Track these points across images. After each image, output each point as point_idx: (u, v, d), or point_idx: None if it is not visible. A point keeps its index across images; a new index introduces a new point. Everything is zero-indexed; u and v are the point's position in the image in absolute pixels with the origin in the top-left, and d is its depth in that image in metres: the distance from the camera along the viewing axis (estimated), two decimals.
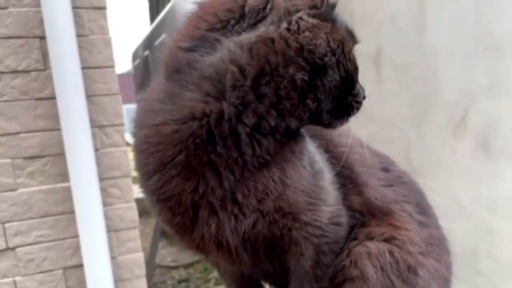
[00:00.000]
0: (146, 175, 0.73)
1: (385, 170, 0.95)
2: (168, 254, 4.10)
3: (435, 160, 2.02)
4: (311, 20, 0.68)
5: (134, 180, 1.34)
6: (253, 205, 0.70)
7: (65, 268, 1.88)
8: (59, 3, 1.70)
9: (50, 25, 1.71)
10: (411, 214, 0.90)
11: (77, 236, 1.84)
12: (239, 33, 0.68)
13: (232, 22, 0.69)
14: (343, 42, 0.70)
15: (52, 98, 1.78)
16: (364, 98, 0.76)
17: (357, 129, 0.87)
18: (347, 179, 0.87)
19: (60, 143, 1.80)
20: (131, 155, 0.89)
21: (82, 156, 1.79)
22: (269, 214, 0.72)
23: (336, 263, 0.80)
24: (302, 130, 0.78)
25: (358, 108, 0.75)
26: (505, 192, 1.77)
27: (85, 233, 1.82)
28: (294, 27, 0.67)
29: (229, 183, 0.69)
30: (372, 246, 0.81)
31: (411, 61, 2.10)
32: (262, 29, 0.67)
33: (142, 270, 2.02)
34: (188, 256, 3.73)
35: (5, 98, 1.74)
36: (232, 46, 0.67)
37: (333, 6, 0.72)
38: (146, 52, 4.00)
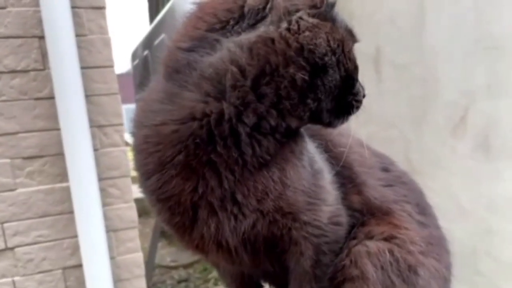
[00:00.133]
0: (145, 175, 0.73)
1: (385, 170, 0.95)
2: (168, 254, 4.09)
3: (434, 160, 2.02)
4: (311, 19, 0.68)
5: (134, 180, 1.34)
6: (253, 205, 0.70)
7: (64, 268, 1.88)
8: (58, 3, 1.70)
9: (49, 25, 1.71)
10: (411, 214, 0.90)
11: (76, 236, 1.84)
12: (239, 33, 0.68)
13: (231, 22, 0.68)
14: (343, 42, 0.70)
15: (51, 98, 1.78)
16: (364, 97, 0.76)
17: (356, 129, 0.87)
18: (347, 179, 0.87)
19: (59, 143, 1.80)
20: (130, 155, 0.88)
21: (81, 156, 1.78)
22: (269, 214, 0.72)
23: (335, 263, 0.80)
24: (302, 130, 0.78)
25: (358, 107, 0.75)
26: (505, 192, 1.77)
27: (84, 233, 1.82)
28: (294, 27, 0.67)
29: (229, 183, 0.69)
30: (372, 245, 0.81)
31: (411, 61, 2.10)
32: (262, 29, 0.67)
33: (141, 270, 2.02)
34: (187, 256, 3.73)
35: (4, 98, 1.74)
36: (232, 47, 0.67)
37: (332, 6, 0.72)
38: (146, 52, 4.00)
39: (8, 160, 1.76)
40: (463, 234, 1.81)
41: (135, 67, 4.80)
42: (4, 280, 1.78)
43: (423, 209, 0.94)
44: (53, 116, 1.79)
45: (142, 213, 2.86)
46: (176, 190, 0.70)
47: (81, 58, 1.80)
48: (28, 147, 1.79)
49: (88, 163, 1.80)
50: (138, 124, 0.74)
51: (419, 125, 2.10)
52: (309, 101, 0.69)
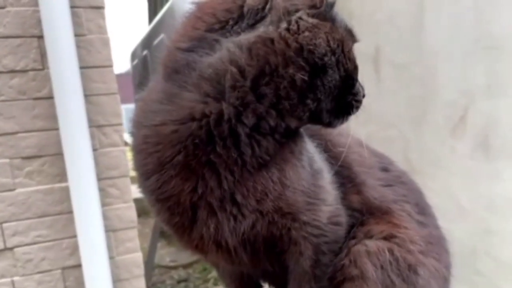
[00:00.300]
0: (145, 175, 0.73)
1: (384, 170, 0.95)
2: (167, 254, 4.09)
3: (434, 160, 2.02)
4: (310, 20, 0.68)
5: (133, 180, 1.34)
6: (252, 205, 0.70)
7: (63, 268, 1.88)
8: (57, 3, 1.70)
9: (48, 25, 1.70)
10: (410, 214, 0.90)
11: (75, 236, 1.84)
12: (238, 34, 0.67)
13: (231, 22, 0.68)
14: (343, 42, 0.70)
15: (50, 97, 1.77)
16: (363, 96, 0.76)
17: (356, 128, 0.86)
18: (346, 179, 0.87)
19: (58, 143, 1.79)
20: (129, 155, 0.88)
21: (80, 156, 1.78)
22: (268, 214, 0.72)
23: (335, 263, 0.80)
24: (301, 129, 0.78)
25: (358, 107, 0.75)
26: (504, 191, 1.77)
27: (84, 233, 1.82)
28: (293, 27, 0.67)
29: (228, 184, 0.69)
30: (372, 244, 0.81)
31: (410, 61, 2.10)
32: (262, 29, 0.67)
33: (140, 270, 2.02)
34: (187, 256, 3.73)
35: (3, 98, 1.74)
36: (231, 47, 0.67)
37: (332, 5, 0.71)
38: (145, 52, 3.99)
39: (7, 160, 1.76)
40: (462, 234, 1.81)
41: (134, 67, 4.80)
42: (3, 280, 1.78)
43: (423, 209, 0.94)
44: (52, 116, 1.78)
45: (142, 213, 2.86)
46: (175, 190, 0.70)
47: (80, 58, 1.79)
48: (27, 147, 1.78)
49: (87, 163, 1.80)
50: (138, 124, 0.74)
51: (418, 125, 2.10)
52: (308, 101, 0.69)
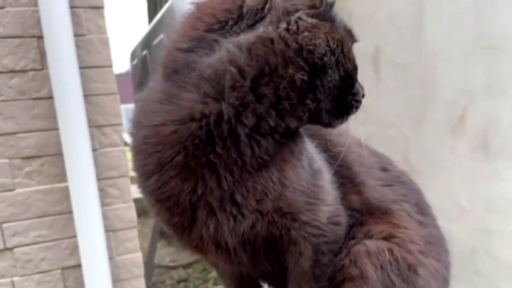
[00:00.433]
0: (144, 176, 0.73)
1: (384, 169, 0.95)
2: (167, 254, 4.09)
3: (433, 160, 2.02)
4: (310, 20, 0.68)
5: (132, 180, 1.34)
6: (252, 205, 0.70)
7: (63, 268, 1.88)
8: (56, 3, 1.70)
9: (48, 25, 1.70)
10: (410, 214, 0.90)
11: (75, 236, 1.84)
12: (238, 34, 0.67)
13: (230, 22, 0.68)
14: (342, 42, 0.70)
15: (50, 98, 1.77)
16: (363, 96, 0.76)
17: (355, 128, 0.86)
18: (346, 179, 0.87)
19: (57, 143, 1.79)
20: (129, 155, 0.88)
21: (80, 156, 1.78)
22: (268, 214, 0.72)
23: (335, 263, 0.80)
24: (301, 130, 0.78)
25: (357, 107, 0.75)
26: (504, 191, 1.77)
27: (83, 233, 1.82)
28: (293, 27, 0.67)
29: (228, 184, 0.69)
30: (371, 244, 0.81)
31: (410, 61, 2.10)
32: (261, 30, 0.67)
33: (140, 270, 2.02)
34: (187, 256, 3.73)
35: (2, 98, 1.74)
36: (230, 47, 0.67)
37: (331, 6, 0.71)
38: (144, 52, 3.99)
39: (6, 160, 1.76)
40: (462, 234, 1.81)
41: (134, 67, 4.80)
42: (3, 280, 1.78)
43: (422, 209, 0.94)
44: (52, 116, 1.78)
45: (141, 213, 2.85)
46: (175, 190, 0.70)
47: (80, 58, 1.79)
48: (26, 147, 1.78)
49: (87, 163, 1.80)
50: (137, 124, 0.74)
51: (418, 125, 2.10)
52: (308, 101, 0.69)
